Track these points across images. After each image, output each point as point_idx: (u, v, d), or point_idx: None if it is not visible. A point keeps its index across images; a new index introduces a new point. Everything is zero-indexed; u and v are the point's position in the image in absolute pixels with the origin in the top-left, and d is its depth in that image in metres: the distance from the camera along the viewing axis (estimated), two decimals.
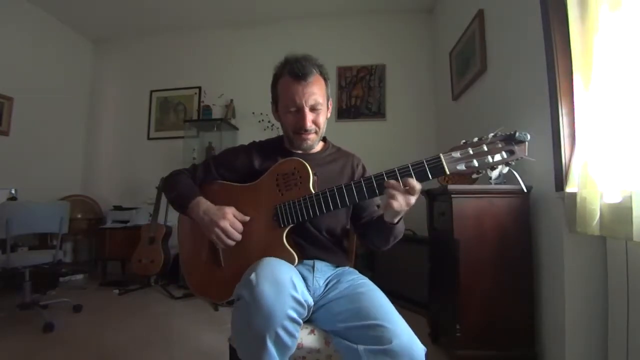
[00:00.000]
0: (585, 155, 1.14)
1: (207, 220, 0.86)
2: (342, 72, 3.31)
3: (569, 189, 1.21)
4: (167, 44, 3.69)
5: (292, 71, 0.89)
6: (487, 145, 0.71)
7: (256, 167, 0.98)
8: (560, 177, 1.28)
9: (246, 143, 1.07)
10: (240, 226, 0.87)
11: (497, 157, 0.70)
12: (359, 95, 3.28)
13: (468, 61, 2.24)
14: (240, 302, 0.68)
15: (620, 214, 0.98)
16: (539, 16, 1.41)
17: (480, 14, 2.04)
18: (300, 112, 0.91)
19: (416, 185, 0.73)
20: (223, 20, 3.48)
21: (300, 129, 0.92)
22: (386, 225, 0.84)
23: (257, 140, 1.07)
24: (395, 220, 0.82)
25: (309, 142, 0.95)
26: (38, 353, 1.61)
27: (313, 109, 0.91)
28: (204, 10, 3.32)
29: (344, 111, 3.28)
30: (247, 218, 0.88)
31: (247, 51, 3.49)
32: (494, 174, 1.48)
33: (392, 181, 0.74)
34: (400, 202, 0.74)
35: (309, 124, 0.91)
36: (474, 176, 0.76)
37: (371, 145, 2.99)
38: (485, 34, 2.01)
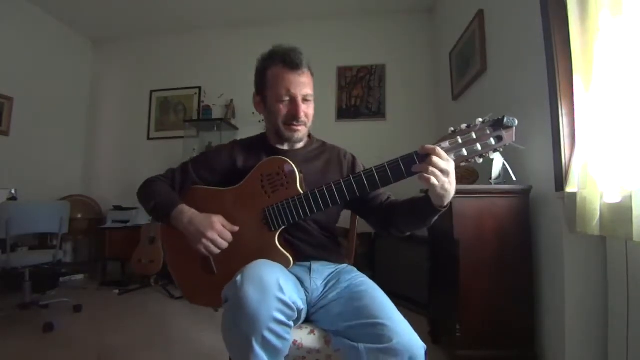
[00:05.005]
0: (585, 155, 1.14)
1: (193, 230, 0.82)
2: (342, 72, 3.31)
3: (569, 189, 1.21)
4: (167, 44, 3.69)
5: (286, 60, 0.88)
6: (475, 132, 0.70)
7: (239, 166, 0.94)
8: (560, 177, 1.28)
9: None
10: (229, 236, 0.83)
11: (486, 144, 0.69)
12: (359, 95, 3.28)
13: (468, 61, 2.24)
14: (227, 304, 0.68)
15: (620, 213, 0.98)
16: (539, 16, 1.41)
17: (480, 14, 2.04)
18: (293, 102, 0.89)
19: (440, 163, 0.67)
20: (223, 20, 3.48)
21: (292, 120, 0.90)
22: (433, 208, 0.76)
23: (238, 139, 1.04)
24: (446, 203, 0.74)
25: (299, 134, 0.93)
26: (38, 353, 1.61)
27: (305, 100, 0.90)
28: (204, 10, 3.32)
29: (344, 111, 3.28)
30: (236, 228, 0.84)
31: (247, 51, 3.45)
32: (494, 172, 1.48)
33: (418, 165, 0.70)
34: (442, 182, 0.68)
35: (302, 115, 0.90)
36: (462, 164, 0.73)
37: (371, 145, 2.97)
38: (485, 34, 2.01)
